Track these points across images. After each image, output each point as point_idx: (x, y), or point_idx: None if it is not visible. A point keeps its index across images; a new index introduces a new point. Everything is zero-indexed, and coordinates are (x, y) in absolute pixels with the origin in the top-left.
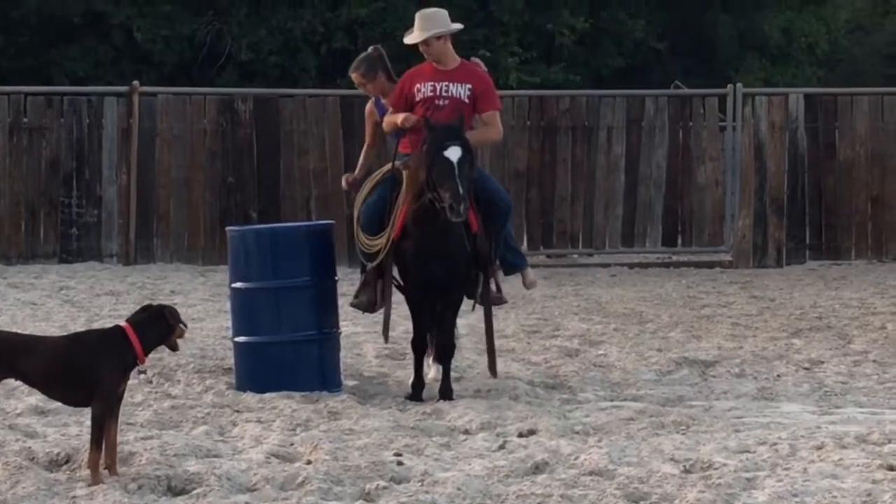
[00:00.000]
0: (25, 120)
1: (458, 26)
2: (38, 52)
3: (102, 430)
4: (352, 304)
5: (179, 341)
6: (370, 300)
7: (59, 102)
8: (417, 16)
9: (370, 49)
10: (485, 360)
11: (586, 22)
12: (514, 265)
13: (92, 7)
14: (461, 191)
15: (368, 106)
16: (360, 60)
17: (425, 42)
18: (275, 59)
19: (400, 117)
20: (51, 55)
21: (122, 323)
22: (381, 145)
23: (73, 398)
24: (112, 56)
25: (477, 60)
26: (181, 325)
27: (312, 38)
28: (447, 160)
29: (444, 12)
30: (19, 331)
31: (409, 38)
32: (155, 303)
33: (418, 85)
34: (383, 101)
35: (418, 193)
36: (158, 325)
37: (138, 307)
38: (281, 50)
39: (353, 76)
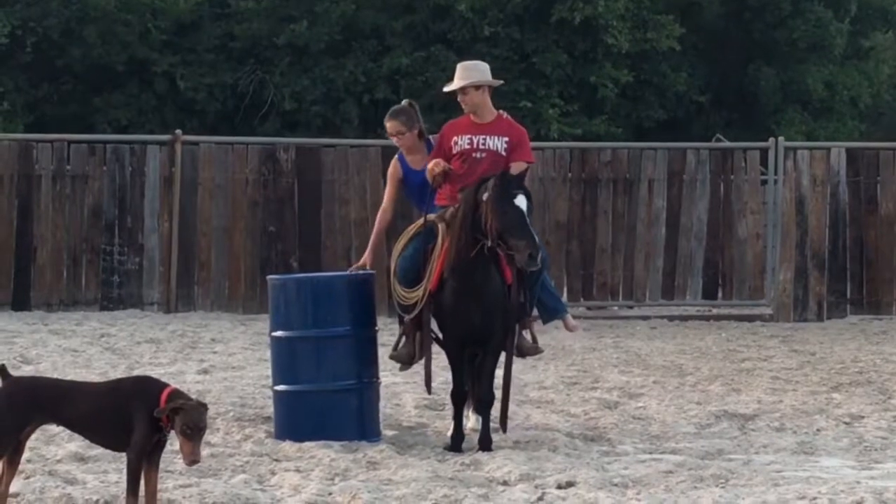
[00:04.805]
0: (69, 168)
1: (499, 82)
2: (81, 100)
3: (137, 478)
4: (391, 357)
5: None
6: (409, 353)
7: (101, 150)
8: (458, 66)
9: (405, 102)
10: (524, 410)
11: (629, 75)
12: (555, 310)
13: (135, 55)
14: (537, 238)
15: (393, 164)
16: (400, 110)
17: (462, 91)
18: (317, 109)
19: (432, 163)
20: (94, 103)
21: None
22: (397, 209)
23: (115, 443)
24: (155, 104)
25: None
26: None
27: (354, 89)
28: (518, 209)
29: (484, 65)
30: (60, 377)
31: (447, 87)
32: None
33: (455, 137)
34: (407, 158)
35: (468, 243)
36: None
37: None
38: (323, 100)
39: (391, 124)
